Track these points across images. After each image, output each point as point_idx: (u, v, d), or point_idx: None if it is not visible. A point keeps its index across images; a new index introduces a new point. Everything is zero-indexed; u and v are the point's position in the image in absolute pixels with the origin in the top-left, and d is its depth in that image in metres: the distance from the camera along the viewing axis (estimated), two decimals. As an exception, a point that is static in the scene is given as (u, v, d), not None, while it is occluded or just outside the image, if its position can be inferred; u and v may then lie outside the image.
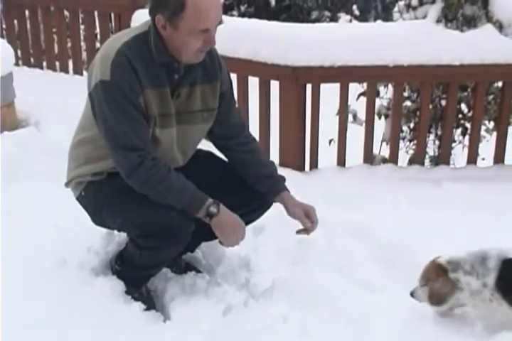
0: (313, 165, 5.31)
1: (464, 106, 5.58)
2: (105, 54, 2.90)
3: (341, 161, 5.30)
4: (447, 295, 2.99)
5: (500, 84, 5.36)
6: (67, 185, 3.29)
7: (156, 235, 2.94)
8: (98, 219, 3.22)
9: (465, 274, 2.95)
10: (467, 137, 5.50)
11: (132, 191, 2.97)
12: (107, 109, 2.88)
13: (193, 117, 3.13)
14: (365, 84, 5.36)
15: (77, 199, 3.25)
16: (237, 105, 3.53)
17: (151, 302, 3.29)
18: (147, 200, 2.95)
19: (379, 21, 6.11)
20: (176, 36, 2.86)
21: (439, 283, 2.99)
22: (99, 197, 3.12)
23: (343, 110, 5.20)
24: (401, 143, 5.54)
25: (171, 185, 2.95)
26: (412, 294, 3.11)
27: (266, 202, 3.38)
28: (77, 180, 3.20)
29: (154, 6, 2.87)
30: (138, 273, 3.26)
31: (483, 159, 5.46)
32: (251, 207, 3.28)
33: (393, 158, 5.32)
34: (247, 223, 3.35)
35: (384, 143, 5.77)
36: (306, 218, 3.26)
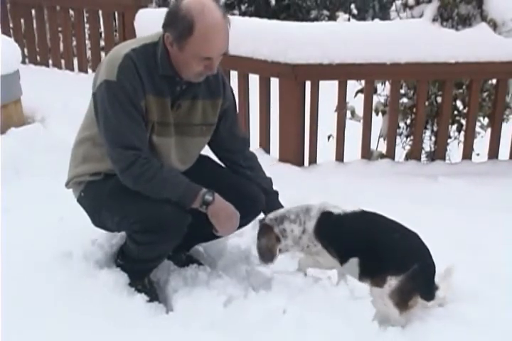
0: (312, 160, 5.37)
1: (459, 103, 5.62)
2: (113, 57, 2.97)
3: (340, 156, 5.37)
4: (273, 248, 3.25)
5: (494, 81, 5.42)
6: (67, 185, 3.35)
7: (152, 230, 2.99)
8: (97, 219, 3.27)
9: (290, 223, 3.22)
10: (462, 133, 5.56)
11: (129, 190, 3.03)
12: (109, 107, 2.95)
13: (193, 130, 3.21)
14: (363, 82, 5.41)
15: (78, 200, 3.31)
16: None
17: (154, 293, 3.33)
18: (143, 197, 3.01)
19: (376, 20, 6.09)
20: (180, 56, 2.94)
21: (263, 239, 3.26)
22: (98, 197, 3.18)
23: (342, 107, 5.27)
24: (398, 139, 5.59)
25: (164, 179, 3.01)
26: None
27: (255, 209, 3.41)
28: (75, 179, 3.26)
29: (166, 24, 2.93)
30: (139, 266, 3.31)
31: (478, 154, 5.53)
32: (242, 211, 3.23)
33: (390, 154, 5.40)
34: (239, 227, 3.40)
35: (381, 139, 5.80)
36: None
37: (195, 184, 3.05)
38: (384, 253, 3.04)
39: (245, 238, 3.74)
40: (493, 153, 5.36)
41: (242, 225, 3.39)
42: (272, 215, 3.28)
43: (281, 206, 3.44)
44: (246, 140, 3.55)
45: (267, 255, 3.25)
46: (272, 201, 3.44)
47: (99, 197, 3.16)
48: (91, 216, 3.29)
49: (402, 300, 3.02)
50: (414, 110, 5.46)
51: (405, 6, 5.58)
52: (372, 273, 3.06)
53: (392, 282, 3.00)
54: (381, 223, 3.20)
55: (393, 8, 5.85)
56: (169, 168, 3.08)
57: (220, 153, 3.47)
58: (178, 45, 2.89)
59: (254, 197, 3.36)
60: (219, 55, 2.94)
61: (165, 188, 3.01)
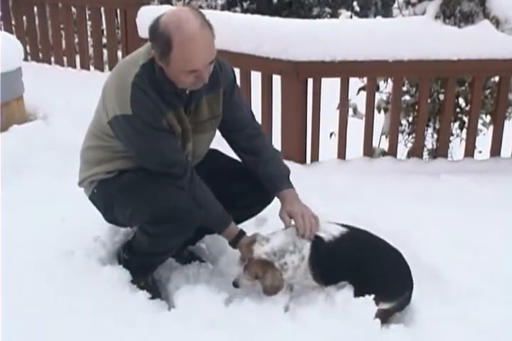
0: (314, 157, 5.36)
1: (461, 101, 5.62)
2: (121, 87, 2.98)
3: (341, 154, 5.36)
4: (281, 284, 3.07)
5: (496, 78, 5.41)
6: (80, 184, 3.38)
7: (165, 221, 3.00)
8: (110, 215, 3.30)
9: (291, 254, 3.07)
10: (464, 130, 5.54)
11: (142, 183, 3.09)
12: (136, 140, 3.01)
13: (204, 127, 3.24)
14: (365, 79, 5.40)
15: (90, 198, 3.34)
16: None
17: (156, 291, 3.35)
18: (156, 190, 3.05)
19: (379, 17, 6.09)
20: (169, 71, 2.94)
21: (268, 278, 3.05)
22: (111, 192, 3.20)
23: (344, 104, 5.25)
24: (400, 137, 5.56)
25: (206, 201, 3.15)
26: (234, 284, 3.16)
27: (266, 197, 3.43)
28: (90, 179, 3.29)
29: (150, 40, 2.94)
30: (146, 260, 3.32)
31: (480, 152, 5.54)
32: (248, 200, 3.35)
33: (392, 151, 5.38)
34: (248, 217, 3.49)
35: (383, 137, 5.82)
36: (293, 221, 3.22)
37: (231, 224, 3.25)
38: (378, 281, 3.08)
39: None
40: (495, 150, 5.34)
41: (252, 215, 3.51)
42: (267, 248, 3.08)
43: (287, 188, 3.33)
44: (247, 119, 3.47)
45: (274, 291, 3.09)
46: (276, 185, 3.36)
47: (113, 191, 3.19)
48: (103, 211, 3.33)
49: (386, 318, 3.10)
50: (417, 107, 5.44)
51: (408, 3, 5.56)
52: (362, 295, 3.07)
53: (384, 306, 3.07)
54: (371, 247, 3.19)
55: (395, 5, 5.85)
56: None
57: (222, 133, 3.47)
58: (163, 62, 2.90)
59: (261, 187, 3.37)
60: (205, 65, 2.91)
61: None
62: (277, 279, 3.05)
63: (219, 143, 3.51)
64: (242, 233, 3.25)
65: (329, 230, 3.13)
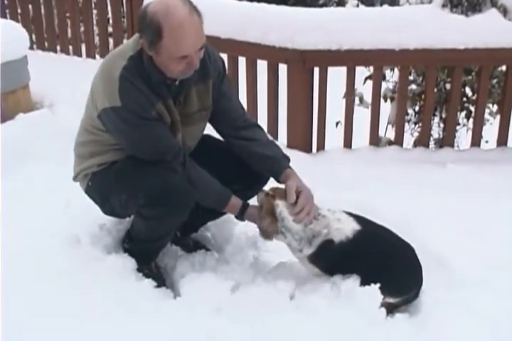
0: (320, 146, 5.36)
1: (468, 90, 5.61)
2: (109, 80, 2.98)
3: (348, 143, 5.35)
4: (272, 233, 3.11)
5: (504, 67, 5.38)
6: (74, 179, 3.39)
7: (159, 202, 3.01)
8: (107, 205, 3.30)
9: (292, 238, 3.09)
10: (471, 120, 5.53)
11: (134, 168, 3.10)
12: (126, 130, 3.01)
13: (194, 118, 3.23)
14: (371, 68, 5.39)
15: (86, 191, 3.35)
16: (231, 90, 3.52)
17: (161, 279, 3.36)
18: (149, 173, 3.05)
19: (385, 6, 6.06)
20: (159, 60, 2.94)
21: (266, 222, 3.12)
22: (105, 182, 3.21)
23: (350, 93, 5.24)
24: (406, 126, 5.56)
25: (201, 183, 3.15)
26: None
27: (260, 179, 3.42)
28: (83, 172, 3.30)
29: (139, 30, 2.94)
30: (146, 247, 3.34)
31: (487, 142, 5.53)
32: (245, 184, 3.35)
33: (398, 140, 5.37)
34: (250, 197, 3.44)
35: (390, 126, 5.81)
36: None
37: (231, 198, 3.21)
38: (387, 277, 3.06)
39: (252, 224, 3.71)
40: (502, 140, 5.32)
41: (250, 197, 3.43)
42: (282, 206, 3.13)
43: (287, 168, 3.29)
44: (237, 111, 3.42)
45: (264, 235, 3.17)
46: (274, 167, 3.31)
47: (106, 182, 3.19)
48: (100, 203, 3.33)
49: (391, 310, 3.10)
50: (423, 97, 5.43)
51: (414, -9, 5.55)
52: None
53: (390, 300, 3.08)
54: (383, 243, 3.16)
55: (402, -7, 5.84)
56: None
57: (213, 125, 3.45)
58: (153, 50, 2.90)
59: (256, 171, 3.36)
60: (196, 51, 2.91)
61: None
62: (273, 228, 3.11)
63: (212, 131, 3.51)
64: (246, 204, 3.22)
65: (342, 229, 3.09)
